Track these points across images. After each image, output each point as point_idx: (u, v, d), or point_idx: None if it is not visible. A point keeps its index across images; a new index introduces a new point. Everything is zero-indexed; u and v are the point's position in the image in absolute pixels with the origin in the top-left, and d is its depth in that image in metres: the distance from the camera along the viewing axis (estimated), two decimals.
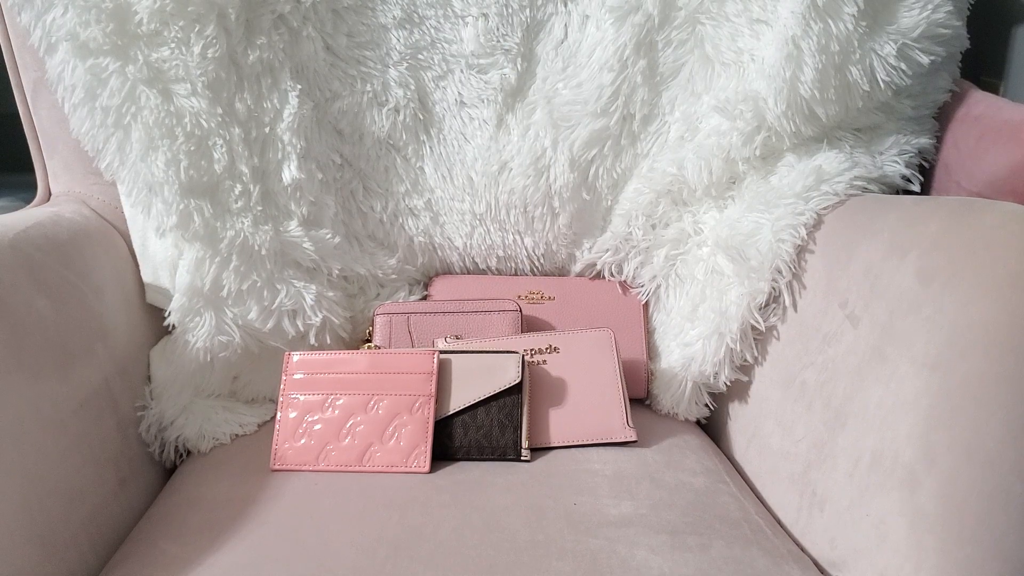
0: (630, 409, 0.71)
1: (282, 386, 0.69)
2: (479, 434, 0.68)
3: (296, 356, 0.70)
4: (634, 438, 0.69)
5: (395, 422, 0.67)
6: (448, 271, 0.87)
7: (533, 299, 0.84)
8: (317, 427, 0.67)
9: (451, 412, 0.68)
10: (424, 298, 0.85)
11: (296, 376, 0.69)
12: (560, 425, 0.70)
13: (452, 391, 0.69)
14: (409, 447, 0.66)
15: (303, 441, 0.67)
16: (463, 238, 0.84)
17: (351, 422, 0.67)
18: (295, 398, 0.68)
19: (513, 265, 0.86)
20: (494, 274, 0.87)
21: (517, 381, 0.69)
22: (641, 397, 0.82)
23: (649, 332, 0.84)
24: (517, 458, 0.67)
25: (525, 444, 0.68)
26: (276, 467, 0.66)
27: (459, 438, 0.68)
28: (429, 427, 0.67)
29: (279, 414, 0.68)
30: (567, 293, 0.84)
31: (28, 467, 0.52)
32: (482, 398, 0.69)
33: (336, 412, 0.68)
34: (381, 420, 0.67)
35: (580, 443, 0.69)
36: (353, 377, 0.68)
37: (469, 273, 0.87)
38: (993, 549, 0.44)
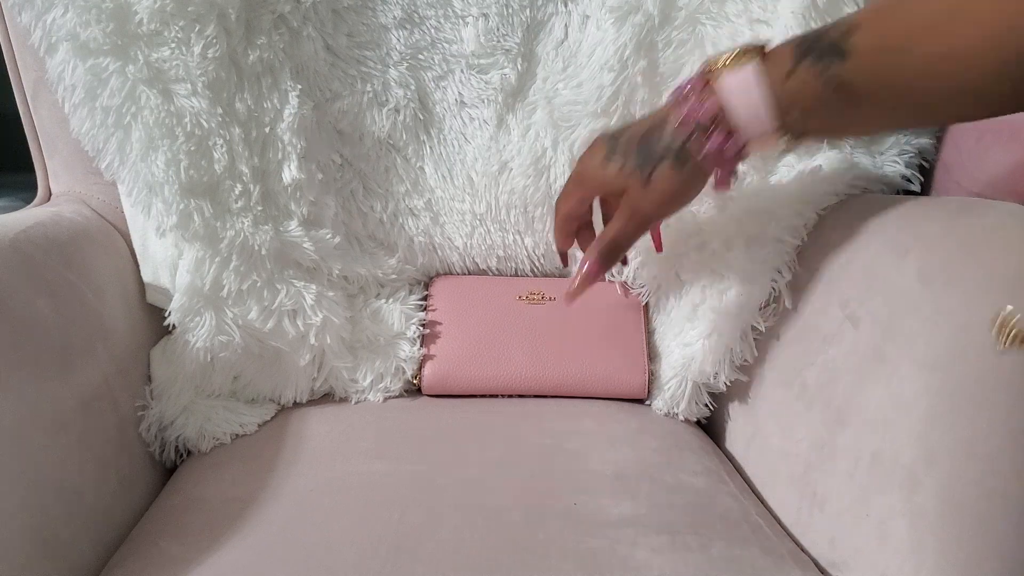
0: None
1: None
2: None
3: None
4: (644, 396, 0.70)
5: None
6: (448, 271, 0.87)
7: (533, 299, 0.84)
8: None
9: None
10: (424, 298, 0.85)
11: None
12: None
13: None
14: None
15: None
16: (463, 238, 0.84)
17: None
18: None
19: (513, 265, 0.86)
20: (494, 274, 0.87)
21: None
22: (641, 397, 0.82)
23: (649, 333, 0.84)
24: None
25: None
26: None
27: None
28: None
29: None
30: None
31: (28, 467, 0.52)
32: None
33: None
34: None
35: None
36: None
37: (469, 273, 0.87)
38: (993, 549, 0.44)
